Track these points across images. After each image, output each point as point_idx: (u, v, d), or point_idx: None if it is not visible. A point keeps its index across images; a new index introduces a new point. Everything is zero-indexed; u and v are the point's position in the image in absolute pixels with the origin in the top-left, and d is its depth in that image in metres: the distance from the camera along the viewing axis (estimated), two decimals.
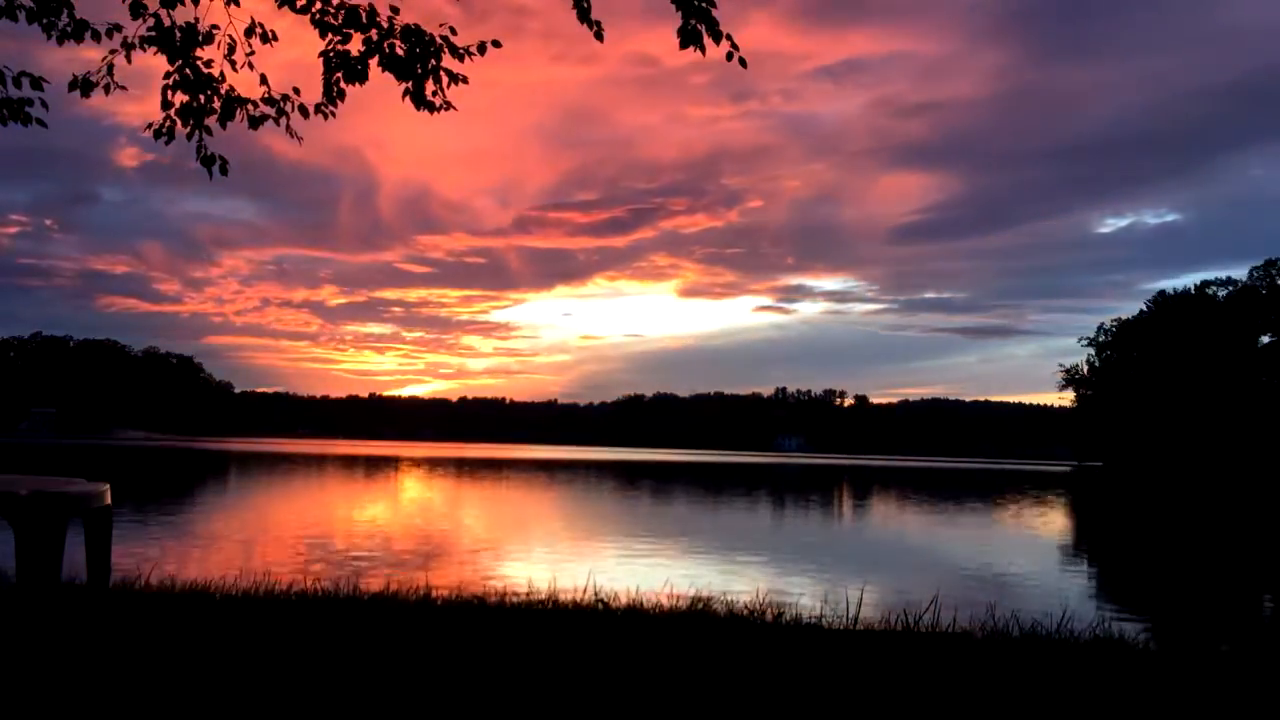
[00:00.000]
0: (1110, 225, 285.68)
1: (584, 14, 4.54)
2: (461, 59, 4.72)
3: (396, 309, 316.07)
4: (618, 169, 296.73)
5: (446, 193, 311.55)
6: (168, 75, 4.75)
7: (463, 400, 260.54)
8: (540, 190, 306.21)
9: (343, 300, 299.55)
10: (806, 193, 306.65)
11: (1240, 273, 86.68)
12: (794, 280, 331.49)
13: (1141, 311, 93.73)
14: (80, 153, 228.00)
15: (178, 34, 4.67)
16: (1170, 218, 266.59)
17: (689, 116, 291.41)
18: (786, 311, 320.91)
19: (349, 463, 50.03)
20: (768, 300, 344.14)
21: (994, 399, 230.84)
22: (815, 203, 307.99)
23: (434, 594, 5.80)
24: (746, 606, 5.77)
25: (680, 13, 4.44)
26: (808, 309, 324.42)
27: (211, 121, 4.89)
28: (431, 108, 4.81)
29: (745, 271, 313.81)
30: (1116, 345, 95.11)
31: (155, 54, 4.69)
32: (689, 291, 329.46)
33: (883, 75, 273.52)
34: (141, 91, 5.16)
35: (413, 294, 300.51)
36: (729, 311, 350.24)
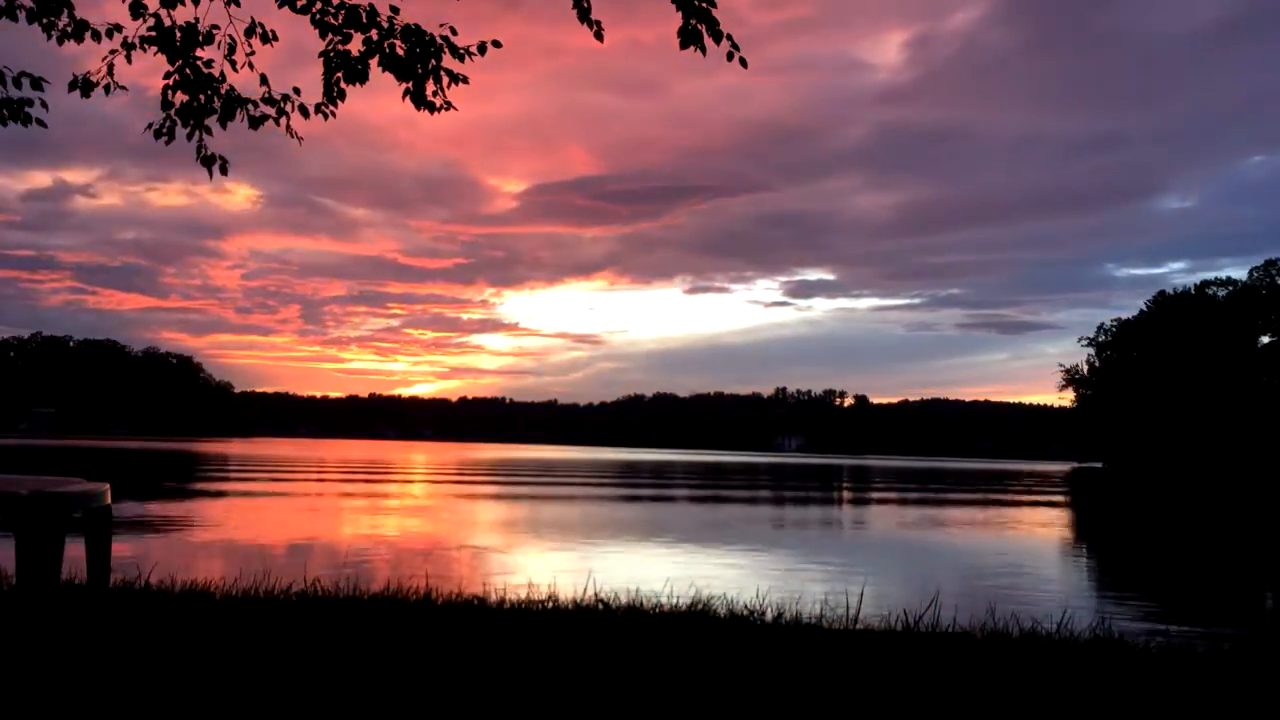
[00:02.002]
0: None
1: (584, 14, 4.54)
2: (462, 59, 4.72)
3: (397, 307, 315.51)
4: (652, 149, 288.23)
5: (463, 177, 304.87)
6: (168, 75, 4.76)
7: (463, 400, 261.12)
8: (563, 174, 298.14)
9: (343, 293, 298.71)
10: (850, 176, 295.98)
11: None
12: (813, 275, 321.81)
13: (1141, 311, 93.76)
14: (74, 138, 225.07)
15: (178, 34, 4.67)
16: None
17: (748, 89, 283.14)
18: (801, 308, 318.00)
19: (348, 462, 50.03)
20: (781, 296, 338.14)
21: (994, 399, 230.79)
22: (855, 189, 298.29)
23: (434, 594, 5.80)
24: (746, 606, 5.77)
25: (680, 13, 4.44)
26: (823, 305, 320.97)
27: (211, 121, 4.89)
28: (432, 108, 4.81)
29: (765, 265, 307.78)
30: (1116, 345, 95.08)
31: (155, 54, 4.69)
32: (701, 287, 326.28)
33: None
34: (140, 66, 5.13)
35: (414, 291, 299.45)
36: (741, 308, 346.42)
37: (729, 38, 4.50)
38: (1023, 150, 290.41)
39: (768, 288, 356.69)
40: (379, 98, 4.83)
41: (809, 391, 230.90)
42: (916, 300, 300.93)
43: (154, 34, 4.64)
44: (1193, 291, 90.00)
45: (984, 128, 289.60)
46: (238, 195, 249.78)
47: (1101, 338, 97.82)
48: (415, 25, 4.72)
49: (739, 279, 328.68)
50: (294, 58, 5.19)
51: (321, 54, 4.75)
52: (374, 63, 4.74)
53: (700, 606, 5.60)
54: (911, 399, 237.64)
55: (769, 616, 5.51)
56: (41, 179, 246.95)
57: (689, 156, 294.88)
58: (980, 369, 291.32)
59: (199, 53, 4.76)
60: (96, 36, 4.71)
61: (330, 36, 4.72)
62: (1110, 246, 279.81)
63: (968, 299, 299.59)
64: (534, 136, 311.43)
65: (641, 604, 5.62)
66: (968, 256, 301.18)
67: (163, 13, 4.63)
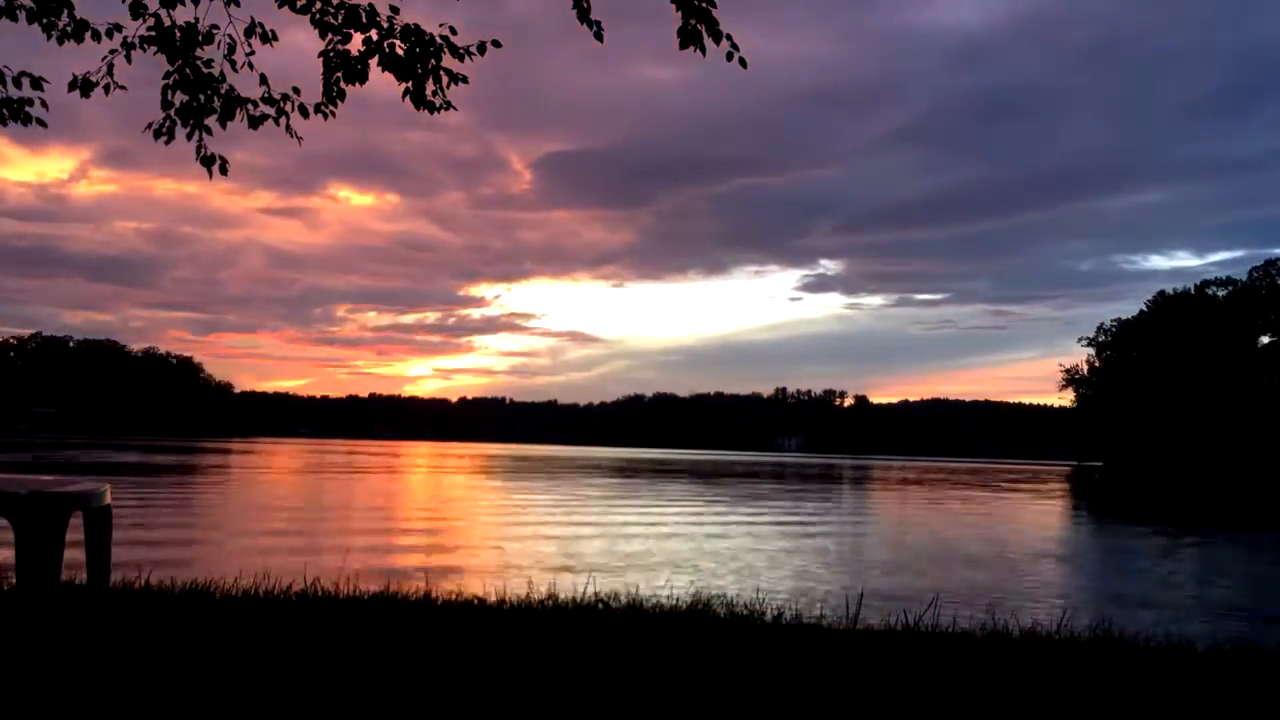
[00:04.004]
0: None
1: (584, 14, 4.53)
2: (462, 59, 4.72)
3: (401, 305, 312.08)
4: (683, 123, 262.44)
5: (476, 157, 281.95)
6: (168, 75, 4.75)
7: (463, 400, 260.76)
8: (582, 153, 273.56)
9: (346, 291, 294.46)
10: (903, 151, 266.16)
11: None
12: (833, 267, 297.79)
13: (1141, 311, 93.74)
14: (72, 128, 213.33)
15: (178, 34, 4.67)
16: None
17: (805, 56, 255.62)
18: (815, 305, 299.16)
19: (349, 462, 50.03)
20: (798, 291, 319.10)
21: (994, 399, 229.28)
22: (904, 167, 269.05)
23: (434, 594, 5.80)
24: (746, 606, 5.77)
25: (680, 13, 4.43)
26: (839, 300, 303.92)
27: (211, 121, 4.89)
28: (432, 108, 4.80)
29: (786, 256, 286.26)
30: (1116, 345, 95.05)
31: (155, 54, 4.69)
32: (714, 281, 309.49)
33: None
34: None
35: (417, 288, 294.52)
36: (752, 304, 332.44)
37: (729, 38, 4.50)
38: (1118, 118, 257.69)
39: (785, 282, 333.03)
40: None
41: (809, 391, 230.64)
42: (938, 296, 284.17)
43: (154, 34, 4.64)
44: (1193, 291, 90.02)
45: (1083, 90, 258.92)
46: (241, 185, 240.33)
47: (1101, 338, 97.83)
48: (415, 25, 4.72)
49: (758, 273, 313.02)
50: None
51: (321, 54, 4.74)
52: (373, 63, 4.74)
53: (700, 606, 5.60)
54: (912, 399, 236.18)
55: (769, 616, 5.51)
56: (41, 171, 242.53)
57: (724, 131, 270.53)
58: (1001, 368, 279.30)
59: (199, 53, 4.76)
60: (96, 36, 4.70)
61: (330, 36, 4.72)
62: (1162, 232, 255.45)
63: (992, 294, 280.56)
64: (557, 111, 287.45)
65: (641, 604, 5.62)
66: (1002, 245, 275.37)
67: (163, 13, 4.62)
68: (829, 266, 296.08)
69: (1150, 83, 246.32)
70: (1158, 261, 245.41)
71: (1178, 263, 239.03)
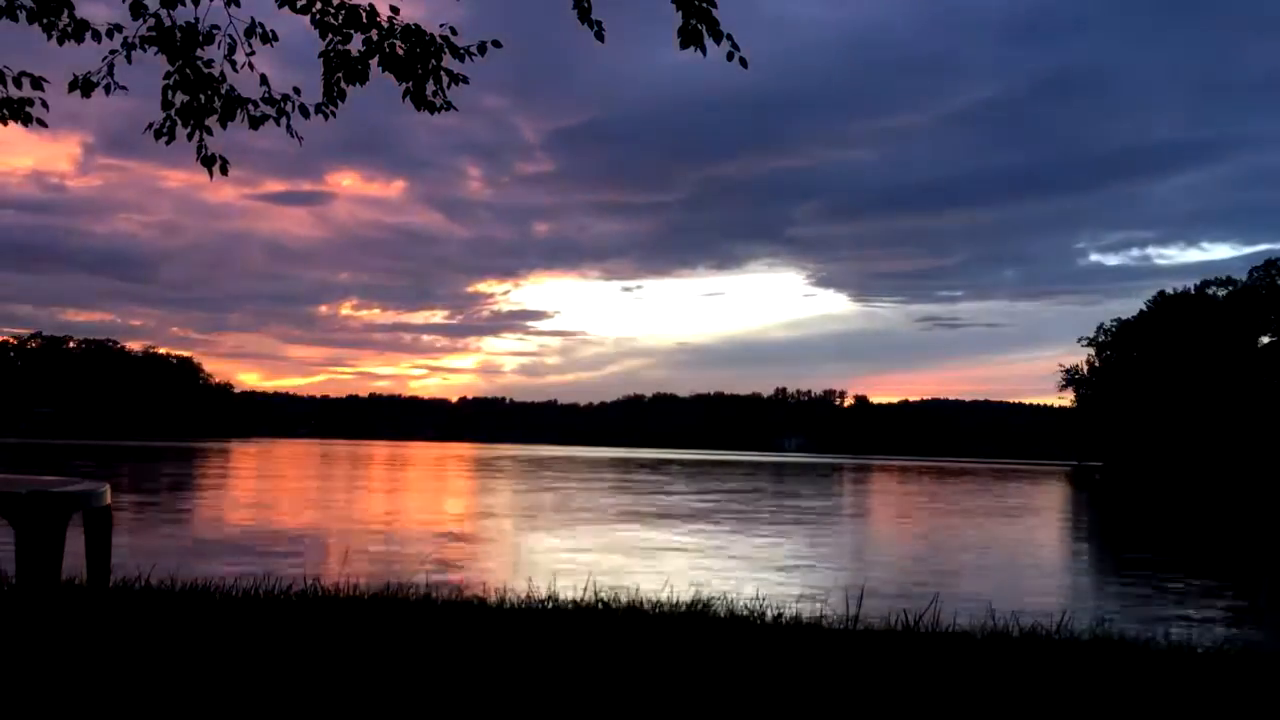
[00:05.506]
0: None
1: (584, 14, 4.53)
2: (462, 59, 4.72)
3: (402, 302, 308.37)
4: (702, 100, 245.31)
5: (481, 141, 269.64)
6: (168, 75, 4.75)
7: (463, 400, 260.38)
8: (592, 137, 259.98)
9: (345, 289, 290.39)
10: (931, 137, 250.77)
11: None
12: (843, 264, 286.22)
13: (1141, 311, 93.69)
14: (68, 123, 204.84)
15: (178, 34, 4.67)
16: None
17: (851, 20, 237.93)
18: (821, 304, 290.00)
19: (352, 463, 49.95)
20: (810, 288, 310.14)
21: (994, 399, 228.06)
22: (937, 155, 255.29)
23: (434, 594, 5.80)
24: (746, 606, 5.77)
25: (680, 12, 4.43)
26: (844, 300, 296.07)
27: (212, 121, 4.89)
28: (432, 108, 4.81)
29: (798, 251, 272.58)
30: (1116, 345, 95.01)
31: (155, 54, 4.69)
32: (720, 279, 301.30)
33: None
34: None
35: (417, 287, 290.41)
36: (758, 303, 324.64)
37: (729, 38, 4.49)
38: (1197, 94, 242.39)
39: (798, 278, 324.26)
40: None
41: (809, 391, 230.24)
42: (956, 294, 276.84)
43: (154, 34, 4.64)
44: (1193, 291, 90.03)
45: (1140, 66, 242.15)
46: (246, 174, 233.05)
47: (1101, 338, 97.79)
48: (415, 25, 4.72)
49: (770, 267, 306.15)
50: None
51: (321, 54, 4.75)
52: (374, 63, 4.74)
53: (700, 606, 5.60)
54: (912, 399, 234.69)
55: (769, 617, 5.51)
56: (44, 158, 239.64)
57: (753, 111, 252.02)
58: (1014, 366, 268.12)
59: (199, 53, 4.76)
60: (97, 36, 4.71)
61: (330, 36, 4.72)
62: (1201, 222, 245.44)
63: (1010, 292, 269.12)
64: (578, 91, 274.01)
65: (641, 604, 5.62)
66: (1029, 239, 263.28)
67: (163, 13, 4.63)
68: (842, 260, 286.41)
69: (1215, 60, 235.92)
70: (1193, 255, 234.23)
71: (1211, 256, 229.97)
